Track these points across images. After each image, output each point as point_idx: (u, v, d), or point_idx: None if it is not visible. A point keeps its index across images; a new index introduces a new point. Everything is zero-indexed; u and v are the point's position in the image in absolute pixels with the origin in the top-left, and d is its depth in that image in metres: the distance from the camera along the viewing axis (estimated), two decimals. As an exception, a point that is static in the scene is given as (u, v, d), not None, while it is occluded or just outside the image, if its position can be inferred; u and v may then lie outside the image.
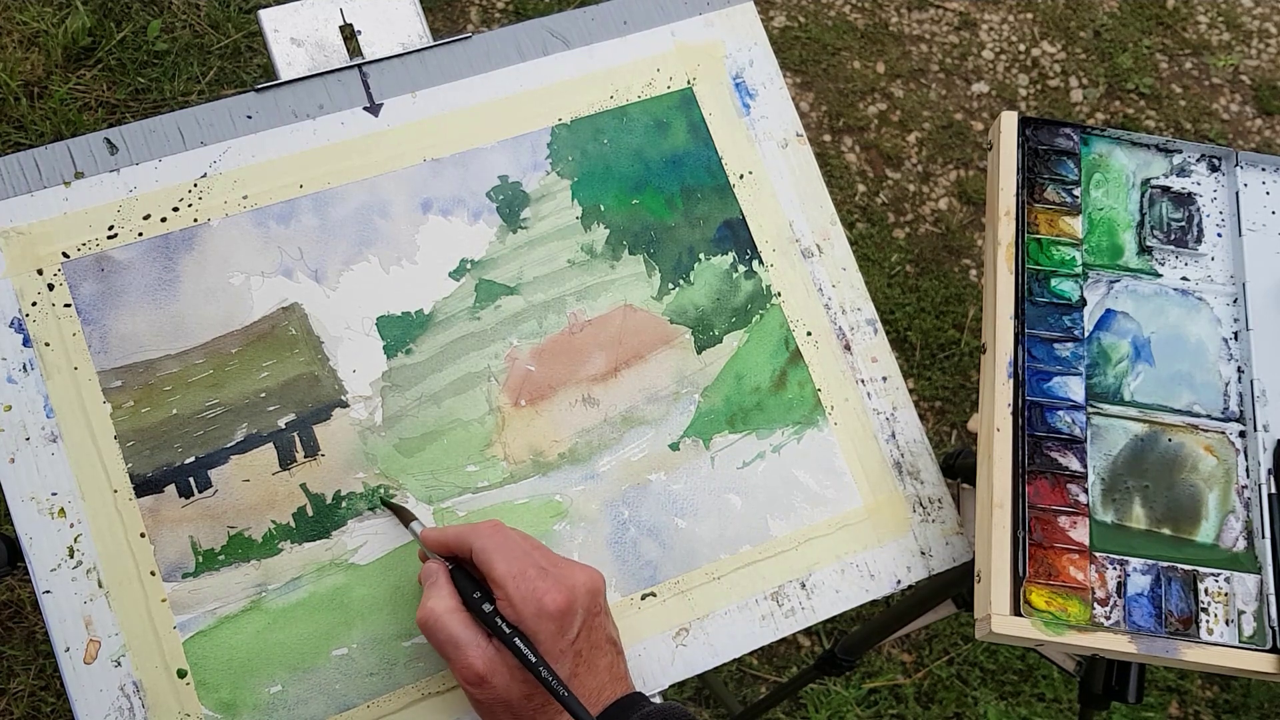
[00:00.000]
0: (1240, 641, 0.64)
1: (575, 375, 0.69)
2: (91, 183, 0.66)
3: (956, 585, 0.80)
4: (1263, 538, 0.66)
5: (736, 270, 0.72)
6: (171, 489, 0.63)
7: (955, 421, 1.80)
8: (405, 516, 0.63)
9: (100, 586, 0.61)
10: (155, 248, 0.66)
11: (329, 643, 0.62)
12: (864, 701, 1.59)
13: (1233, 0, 2.21)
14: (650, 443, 0.68)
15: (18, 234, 0.64)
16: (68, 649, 0.60)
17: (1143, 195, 0.74)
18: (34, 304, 0.64)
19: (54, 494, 0.61)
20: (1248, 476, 0.68)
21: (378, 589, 0.63)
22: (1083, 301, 0.71)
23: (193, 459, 0.63)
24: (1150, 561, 0.65)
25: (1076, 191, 0.73)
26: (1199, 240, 0.74)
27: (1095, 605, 0.63)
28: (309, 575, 0.63)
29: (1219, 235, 0.74)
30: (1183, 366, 0.70)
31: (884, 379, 0.72)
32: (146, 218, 0.66)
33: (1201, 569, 0.65)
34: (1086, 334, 0.70)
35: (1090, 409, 0.68)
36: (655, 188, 0.73)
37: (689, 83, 0.75)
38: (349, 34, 0.72)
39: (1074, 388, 0.68)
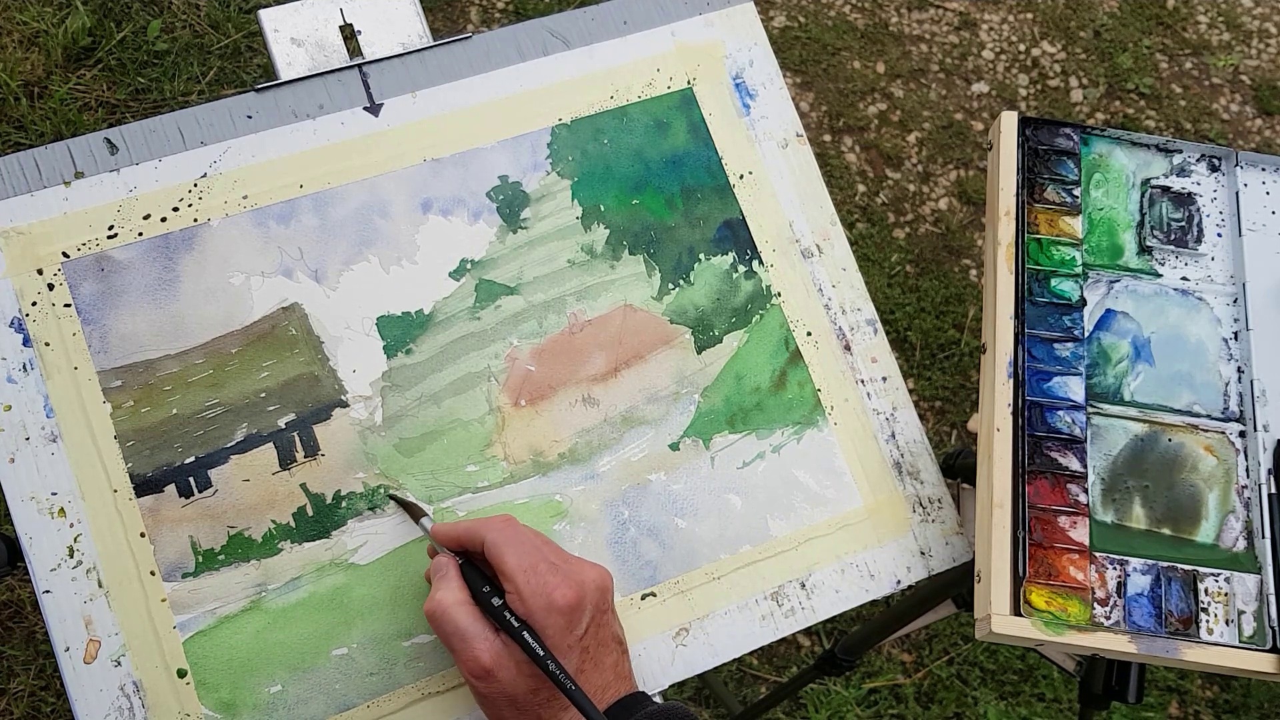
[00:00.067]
0: (1240, 641, 0.64)
1: (575, 375, 0.69)
2: (91, 183, 0.66)
3: (956, 585, 0.80)
4: (1263, 538, 0.66)
5: (736, 270, 0.72)
6: (171, 489, 0.63)
7: (955, 421, 1.80)
8: (415, 512, 0.63)
9: (100, 586, 0.61)
10: (155, 248, 0.66)
11: (329, 643, 0.62)
12: (864, 701, 1.59)
13: (1233, 0, 2.21)
14: (650, 443, 0.68)
15: (18, 234, 0.64)
16: (68, 649, 0.60)
17: (1143, 195, 0.74)
18: (34, 304, 0.64)
19: (54, 494, 0.61)
20: (1248, 476, 0.68)
21: (378, 589, 0.63)
22: (1083, 301, 0.71)
23: (193, 459, 0.63)
24: (1150, 561, 0.65)
25: (1076, 191, 0.73)
26: (1199, 240, 0.74)
27: (1095, 605, 0.63)
28: (309, 575, 0.63)
29: (1219, 235, 0.74)
30: (1183, 366, 0.70)
31: (884, 379, 0.72)
32: (146, 217, 0.66)
33: (1201, 569, 0.65)
34: (1086, 334, 0.70)
35: (1090, 409, 0.68)
36: (655, 188, 0.73)
37: (689, 83, 0.75)
38: (349, 34, 0.72)
39: (1074, 388, 0.68)
